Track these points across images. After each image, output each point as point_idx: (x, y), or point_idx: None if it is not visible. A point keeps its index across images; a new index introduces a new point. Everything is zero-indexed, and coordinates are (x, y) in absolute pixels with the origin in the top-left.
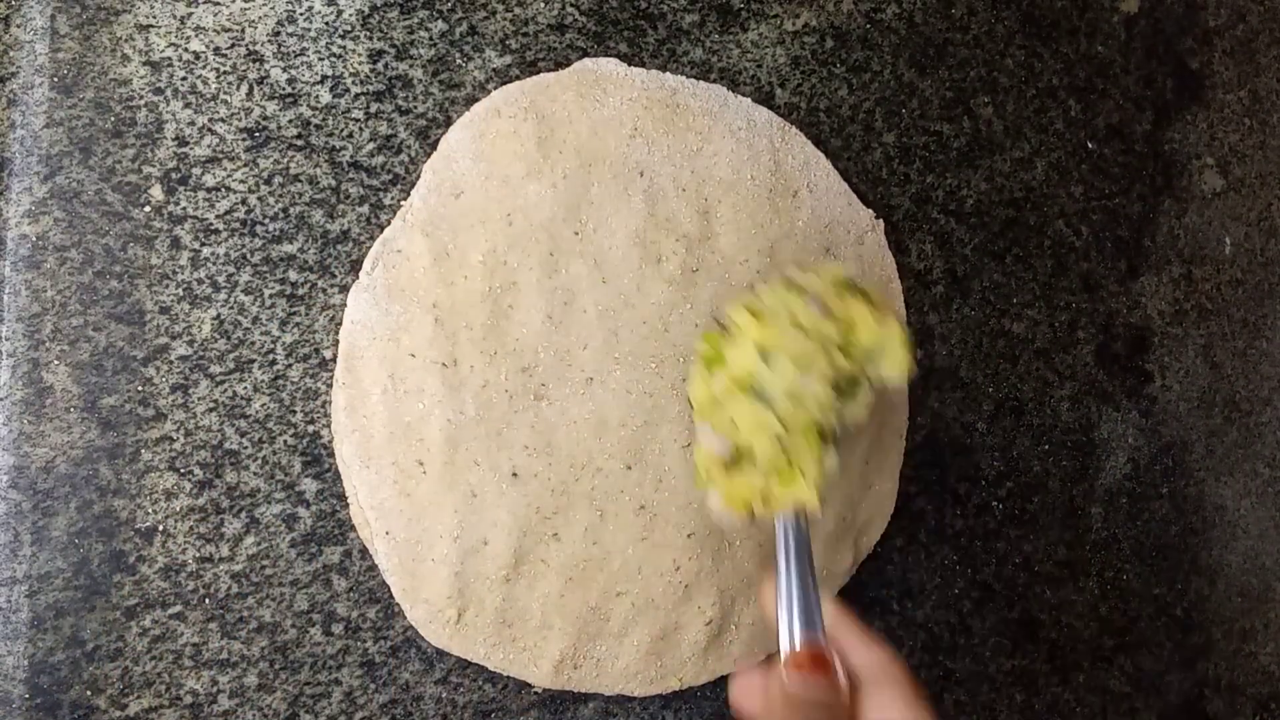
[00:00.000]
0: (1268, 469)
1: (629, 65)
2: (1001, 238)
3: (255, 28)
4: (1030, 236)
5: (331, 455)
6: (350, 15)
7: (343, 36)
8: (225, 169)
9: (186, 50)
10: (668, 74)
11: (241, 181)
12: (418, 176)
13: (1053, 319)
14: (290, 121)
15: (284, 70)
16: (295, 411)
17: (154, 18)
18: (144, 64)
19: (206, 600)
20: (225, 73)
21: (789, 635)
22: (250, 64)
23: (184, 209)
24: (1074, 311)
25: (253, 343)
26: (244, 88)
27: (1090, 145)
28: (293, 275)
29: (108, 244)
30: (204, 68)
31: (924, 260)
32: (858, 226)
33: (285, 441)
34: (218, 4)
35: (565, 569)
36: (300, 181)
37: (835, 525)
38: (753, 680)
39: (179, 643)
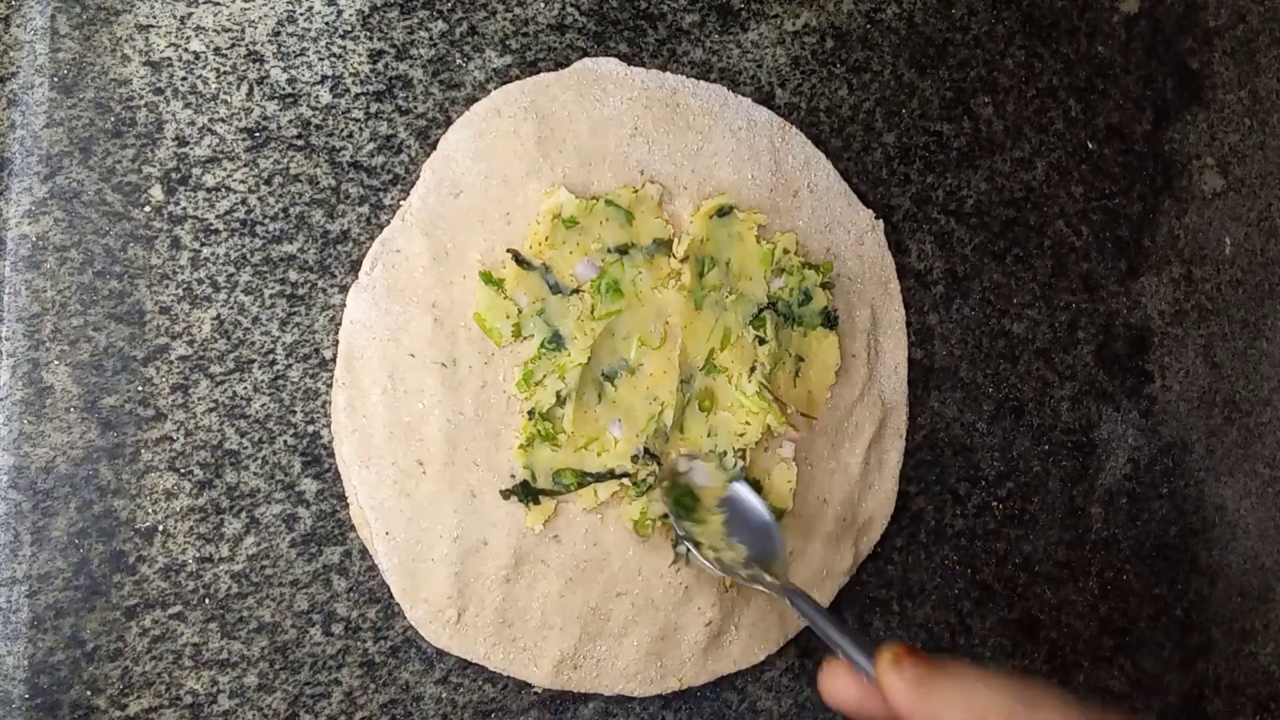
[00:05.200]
0: (1268, 469)
1: (629, 65)
2: (1001, 238)
3: (255, 28)
4: (1030, 236)
5: (331, 455)
6: (350, 15)
7: (343, 36)
8: (225, 169)
9: (186, 50)
10: (668, 74)
11: (241, 181)
12: (417, 176)
13: (1053, 319)
14: (290, 121)
15: (284, 70)
16: (295, 411)
17: (154, 18)
18: (144, 64)
19: (206, 600)
20: (225, 73)
21: (862, 660)
22: (250, 64)
23: (184, 209)
24: (1074, 311)
25: (253, 343)
26: (244, 88)
27: (1090, 145)
28: (293, 275)
29: (108, 244)
30: (204, 68)
31: (924, 260)
32: (858, 226)
33: (285, 441)
34: (218, 4)
35: (565, 569)
36: (300, 181)
37: (835, 525)
38: (846, 682)
39: (179, 643)
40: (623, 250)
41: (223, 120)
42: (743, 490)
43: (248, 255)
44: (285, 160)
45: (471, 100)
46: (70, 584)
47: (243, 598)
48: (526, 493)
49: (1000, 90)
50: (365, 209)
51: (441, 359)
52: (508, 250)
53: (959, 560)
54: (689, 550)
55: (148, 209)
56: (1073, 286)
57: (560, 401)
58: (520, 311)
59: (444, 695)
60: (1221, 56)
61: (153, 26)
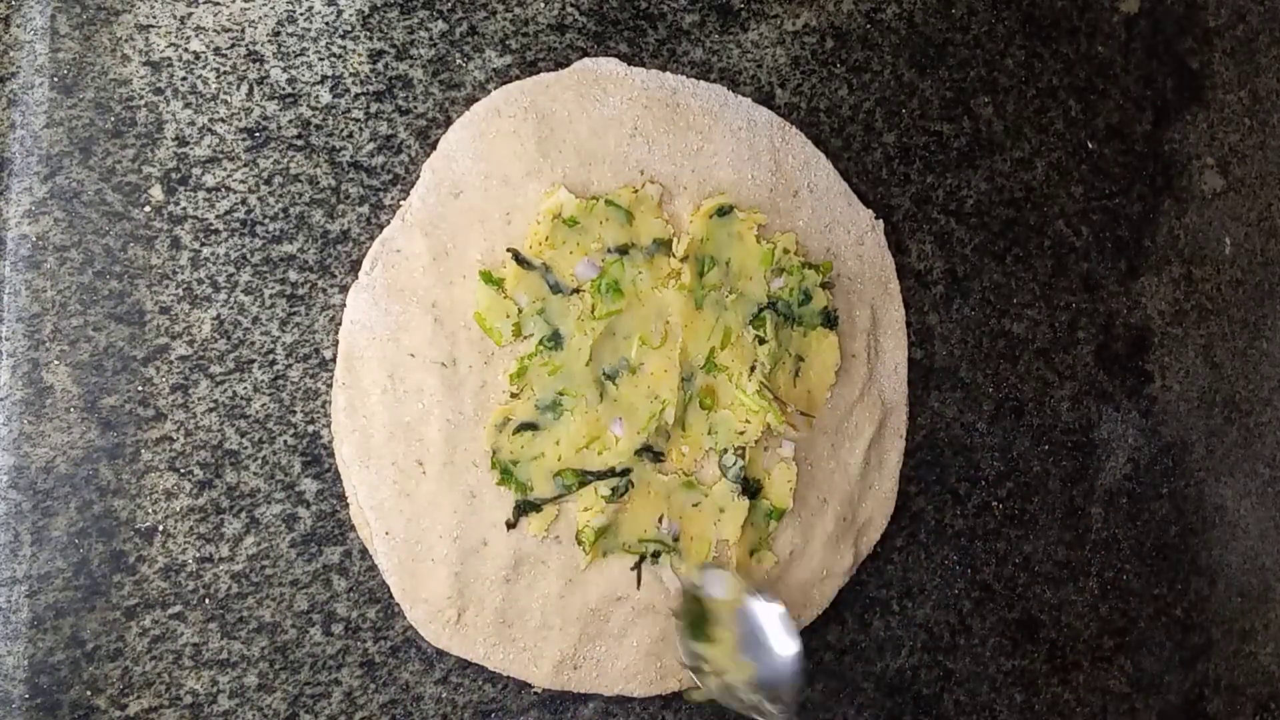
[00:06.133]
0: (1268, 469)
1: (629, 65)
2: (1001, 238)
3: (255, 28)
4: (1030, 236)
5: (331, 455)
6: (350, 15)
7: (343, 36)
8: (225, 169)
9: (186, 50)
10: (668, 74)
11: (241, 181)
12: (417, 176)
13: (1053, 319)
14: (290, 121)
15: (284, 70)
16: (295, 411)
17: (154, 18)
18: (144, 64)
19: (206, 600)
20: (225, 73)
21: None
22: (250, 64)
23: (184, 209)
24: (1074, 311)
25: (253, 343)
26: (244, 88)
27: (1090, 145)
28: (293, 275)
29: (108, 244)
30: (204, 68)
31: (924, 260)
32: (858, 226)
33: (285, 441)
34: (218, 4)
35: (565, 570)
36: (300, 181)
37: (835, 525)
38: None
39: (179, 643)
40: (623, 250)
41: (223, 120)
42: (763, 608)
43: (248, 255)
44: (285, 160)
45: (471, 100)
46: (70, 584)
47: (243, 598)
48: (529, 507)
49: (1000, 90)
50: (365, 209)
51: (441, 359)
52: (508, 250)
53: (959, 560)
54: (690, 674)
55: (148, 209)
56: (1073, 286)
57: (547, 409)
58: (520, 311)
59: (444, 695)
60: (1221, 56)
61: (153, 26)
